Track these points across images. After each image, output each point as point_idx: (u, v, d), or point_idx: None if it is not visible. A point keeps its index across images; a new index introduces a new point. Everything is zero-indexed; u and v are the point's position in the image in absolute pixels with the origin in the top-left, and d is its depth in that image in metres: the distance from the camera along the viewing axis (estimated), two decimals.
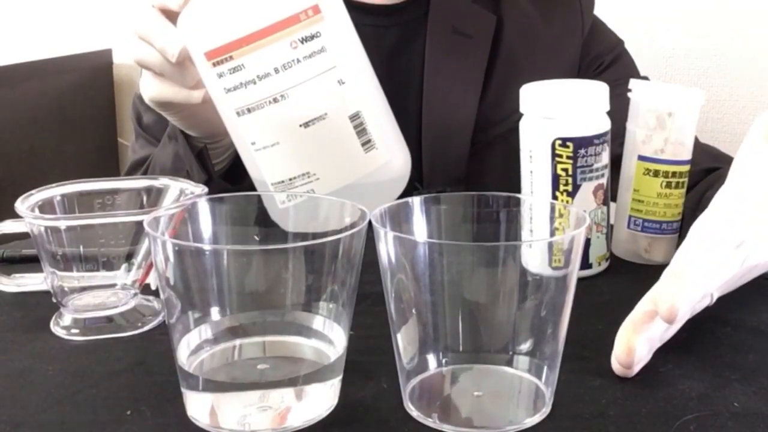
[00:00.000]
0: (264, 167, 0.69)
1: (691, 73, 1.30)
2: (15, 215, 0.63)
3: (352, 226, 0.52)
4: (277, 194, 0.67)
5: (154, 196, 0.69)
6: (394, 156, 0.72)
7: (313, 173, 0.68)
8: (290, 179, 0.68)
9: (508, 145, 0.79)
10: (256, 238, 0.60)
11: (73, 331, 0.64)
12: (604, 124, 0.73)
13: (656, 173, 0.76)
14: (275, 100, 0.66)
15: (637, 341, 0.56)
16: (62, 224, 0.64)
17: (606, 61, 1.01)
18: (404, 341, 0.52)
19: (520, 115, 0.74)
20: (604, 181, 0.74)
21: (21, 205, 0.63)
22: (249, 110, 0.67)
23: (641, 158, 0.76)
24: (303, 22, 0.66)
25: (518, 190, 0.75)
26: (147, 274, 0.67)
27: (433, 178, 0.95)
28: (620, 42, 1.04)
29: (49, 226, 0.63)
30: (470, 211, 0.58)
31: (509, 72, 0.96)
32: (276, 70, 0.66)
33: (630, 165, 0.78)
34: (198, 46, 0.67)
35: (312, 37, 0.66)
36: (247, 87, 0.66)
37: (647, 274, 0.76)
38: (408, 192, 0.67)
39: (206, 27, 0.67)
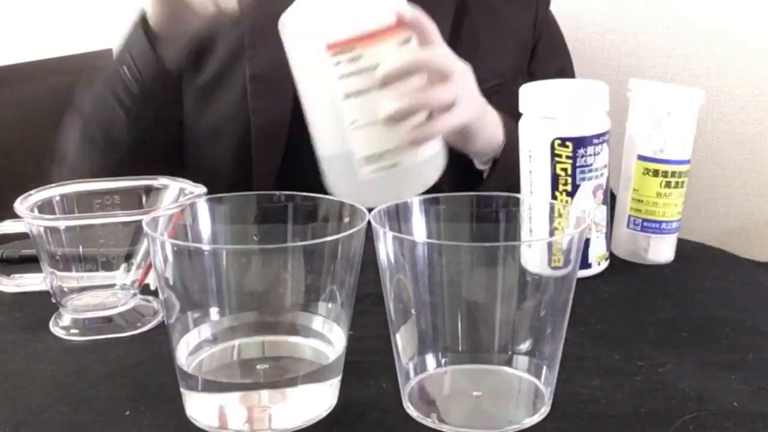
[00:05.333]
0: (357, 142, 0.77)
1: (691, 73, 1.30)
2: (15, 215, 0.63)
3: (351, 226, 0.52)
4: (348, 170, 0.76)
5: (153, 196, 0.69)
6: (443, 145, 0.82)
7: (398, 147, 0.77)
8: (380, 153, 0.77)
9: None
10: (255, 238, 0.60)
11: (73, 331, 0.65)
12: (604, 124, 0.73)
13: (655, 173, 0.76)
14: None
15: None
16: (61, 224, 0.64)
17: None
18: (403, 341, 0.52)
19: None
20: (603, 180, 0.74)
21: (20, 205, 0.63)
22: (358, 93, 0.75)
23: (640, 158, 0.76)
24: (403, 27, 0.76)
25: (518, 190, 0.75)
26: (146, 274, 0.67)
27: None
28: (555, 24, 1.12)
29: (48, 226, 0.63)
30: (469, 211, 0.58)
31: (471, 42, 1.01)
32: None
33: (629, 165, 0.78)
34: (321, 37, 0.74)
35: (410, 39, 0.77)
36: (360, 75, 0.75)
37: (647, 274, 0.77)
38: None
39: (333, 20, 0.75)
